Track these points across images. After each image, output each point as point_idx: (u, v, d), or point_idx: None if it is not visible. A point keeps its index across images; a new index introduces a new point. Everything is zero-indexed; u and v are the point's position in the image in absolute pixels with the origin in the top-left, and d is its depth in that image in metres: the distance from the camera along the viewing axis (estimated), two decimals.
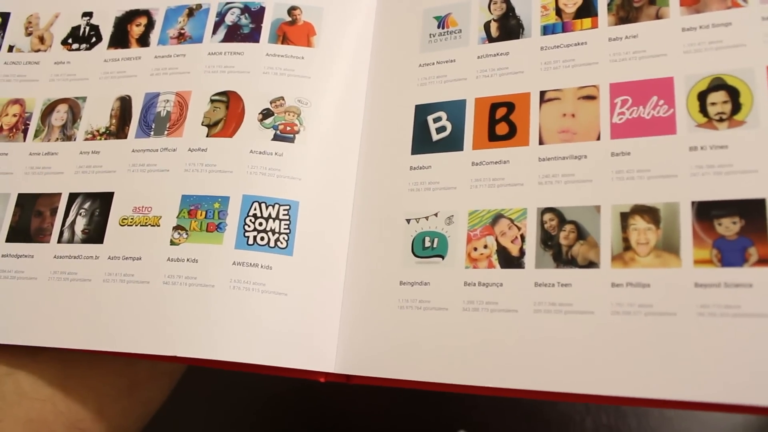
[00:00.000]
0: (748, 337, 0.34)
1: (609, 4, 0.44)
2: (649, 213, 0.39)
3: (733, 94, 0.39)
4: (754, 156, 0.38)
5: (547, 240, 0.41)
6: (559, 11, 0.45)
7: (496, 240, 0.42)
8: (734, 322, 0.35)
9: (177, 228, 0.44)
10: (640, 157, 0.40)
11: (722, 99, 0.39)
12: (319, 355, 0.42)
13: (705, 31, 0.41)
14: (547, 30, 0.45)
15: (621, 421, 0.60)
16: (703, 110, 0.40)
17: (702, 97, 0.40)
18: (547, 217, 0.41)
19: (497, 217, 0.42)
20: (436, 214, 0.43)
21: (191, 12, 0.50)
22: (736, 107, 0.39)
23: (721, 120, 0.39)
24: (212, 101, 0.47)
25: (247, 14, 0.49)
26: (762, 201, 0.37)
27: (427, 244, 0.43)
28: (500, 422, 0.61)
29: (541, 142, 0.43)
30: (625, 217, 0.39)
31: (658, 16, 0.43)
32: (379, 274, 0.43)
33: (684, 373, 0.35)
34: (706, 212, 0.37)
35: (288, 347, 0.42)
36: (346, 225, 0.45)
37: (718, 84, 0.40)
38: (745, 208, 0.37)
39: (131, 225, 0.45)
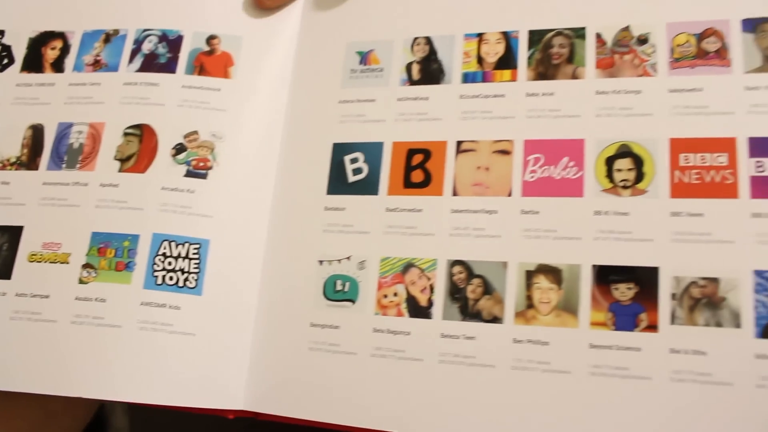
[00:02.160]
0: (634, 397, 0.37)
1: (529, 58, 0.44)
2: (553, 273, 0.40)
3: (638, 162, 0.40)
4: (651, 225, 0.39)
5: (455, 292, 0.41)
6: (480, 59, 0.45)
7: (406, 289, 0.42)
8: (621, 384, 0.37)
9: (86, 266, 0.43)
10: (548, 216, 0.41)
11: (628, 166, 0.40)
12: (228, 393, 0.43)
13: (617, 96, 0.42)
14: (467, 78, 0.45)
15: None
16: (610, 175, 0.41)
17: (609, 162, 0.41)
18: (456, 269, 0.42)
19: (408, 266, 0.43)
20: (348, 258, 0.44)
21: (108, 38, 0.48)
22: (640, 176, 0.40)
23: (625, 187, 0.40)
24: (126, 134, 0.46)
25: (164, 42, 0.48)
26: (655, 269, 0.38)
27: (339, 287, 0.43)
28: None
29: (454, 193, 0.43)
30: (530, 276, 0.40)
31: (574, 76, 0.43)
32: (290, 315, 0.44)
33: (576, 430, 0.37)
34: (605, 276, 0.39)
35: (195, 387, 0.42)
36: (258, 264, 0.45)
37: (625, 151, 0.41)
38: (640, 275, 0.39)
39: (40, 261, 0.44)
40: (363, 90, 0.47)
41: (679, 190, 0.39)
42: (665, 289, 0.38)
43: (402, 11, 0.48)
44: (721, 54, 0.41)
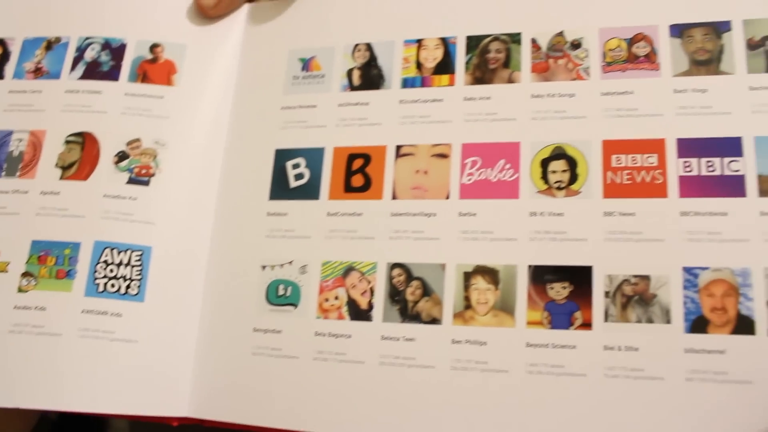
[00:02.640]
0: (569, 394, 0.38)
1: (467, 63, 0.45)
2: (490, 274, 0.40)
3: (572, 163, 0.41)
4: (585, 225, 0.40)
5: (395, 295, 0.42)
6: (419, 65, 0.46)
7: (347, 292, 0.43)
8: (557, 381, 0.38)
9: (25, 274, 0.43)
10: (484, 218, 0.42)
11: (562, 168, 0.41)
12: (172, 400, 0.43)
13: (552, 99, 0.43)
14: (407, 83, 0.46)
15: None
16: (545, 177, 0.41)
17: (544, 164, 0.41)
18: (395, 272, 0.42)
19: (349, 270, 0.43)
20: (290, 262, 0.44)
21: (50, 45, 0.48)
22: (574, 177, 0.41)
23: (559, 188, 0.41)
24: (67, 142, 0.46)
25: (107, 50, 0.48)
26: (589, 269, 0.39)
27: (281, 292, 0.44)
28: None
29: (394, 197, 0.43)
30: (467, 277, 0.41)
31: (510, 80, 0.44)
32: (233, 320, 0.44)
33: (514, 428, 0.38)
34: (540, 276, 0.40)
35: (138, 394, 0.42)
36: (201, 270, 0.45)
37: (559, 153, 0.41)
38: (575, 275, 0.39)
39: None
40: (305, 96, 0.47)
41: (612, 191, 0.40)
42: (599, 287, 0.39)
43: (343, 18, 0.49)
44: (651, 58, 0.42)
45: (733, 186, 0.39)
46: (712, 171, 0.39)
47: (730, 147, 0.39)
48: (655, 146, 0.40)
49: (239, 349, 0.43)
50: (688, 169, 0.39)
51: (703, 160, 0.39)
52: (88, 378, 0.41)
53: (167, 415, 0.43)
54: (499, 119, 0.43)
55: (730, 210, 0.38)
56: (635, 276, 0.38)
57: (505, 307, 0.40)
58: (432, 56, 0.46)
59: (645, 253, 0.39)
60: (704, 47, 0.41)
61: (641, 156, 0.40)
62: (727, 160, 0.39)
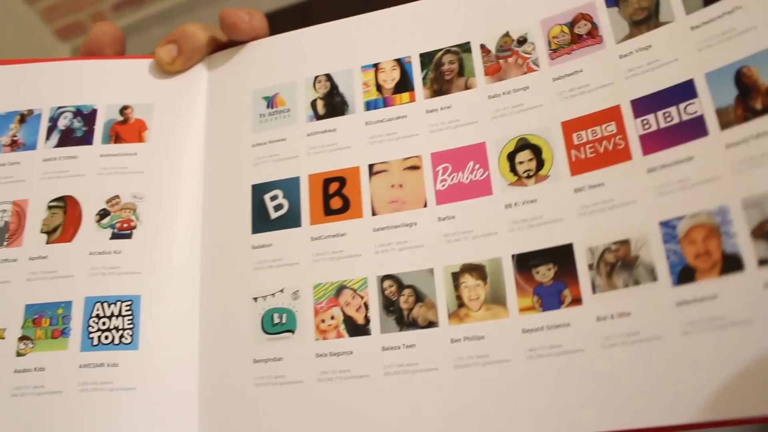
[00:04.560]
0: (571, 371, 0.38)
1: (423, 79, 0.47)
2: (477, 270, 0.41)
3: (537, 151, 0.42)
4: (559, 205, 0.41)
5: (389, 305, 0.42)
6: (379, 87, 0.48)
7: (342, 310, 0.43)
8: (557, 361, 0.38)
9: (22, 338, 0.43)
10: (463, 219, 0.43)
11: (528, 157, 0.43)
12: None
13: (508, 96, 0.44)
14: (370, 105, 0.47)
15: None
16: (513, 169, 0.43)
17: (511, 157, 0.43)
18: (386, 284, 0.43)
19: (340, 288, 0.44)
20: (282, 290, 0.45)
21: (23, 118, 0.50)
22: (540, 164, 0.42)
23: (528, 177, 0.42)
24: (50, 207, 0.47)
25: (79, 117, 0.49)
26: (570, 246, 0.40)
27: (276, 320, 0.44)
28: None
29: (374, 213, 0.45)
30: (456, 277, 0.42)
31: (467, 86, 0.46)
32: (232, 355, 0.44)
33: (522, 414, 0.38)
34: (525, 263, 0.41)
35: None
36: (193, 311, 0.46)
37: (523, 144, 0.43)
38: (557, 255, 0.40)
39: None
40: (273, 131, 0.49)
41: (578, 167, 0.41)
42: (582, 262, 0.39)
43: (299, 54, 0.51)
44: (592, 33, 0.44)
45: (694, 128, 0.39)
46: (671, 121, 0.40)
47: (684, 91, 0.40)
48: (611, 114, 0.41)
49: (242, 383, 0.43)
50: (647, 126, 0.40)
51: (660, 113, 0.40)
52: (93, 430, 0.41)
53: None
54: (462, 124, 0.45)
55: (696, 153, 0.38)
56: (615, 243, 0.39)
57: (496, 300, 0.40)
58: (390, 77, 0.48)
59: (620, 219, 0.39)
60: (640, 6, 0.43)
61: (600, 127, 0.41)
62: (683, 105, 0.40)
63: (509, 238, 0.41)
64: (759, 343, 0.34)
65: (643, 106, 0.41)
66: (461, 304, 0.41)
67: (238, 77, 0.51)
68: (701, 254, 0.37)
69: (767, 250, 0.35)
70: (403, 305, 0.42)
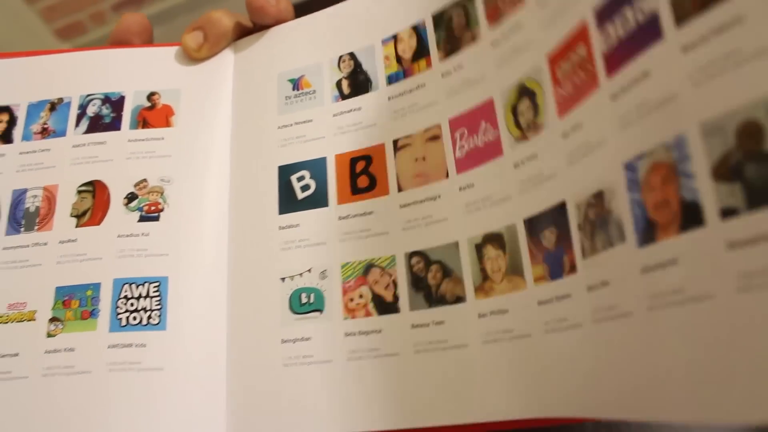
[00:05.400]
0: (566, 346, 0.35)
1: (438, 42, 0.46)
2: (497, 240, 0.40)
3: (533, 99, 0.39)
4: (552, 158, 0.37)
5: (417, 282, 0.42)
6: (399, 59, 0.47)
7: (371, 288, 0.43)
8: (567, 336, 0.35)
9: (53, 320, 0.44)
10: (481, 186, 0.41)
11: (526, 105, 0.39)
12: (208, 423, 0.42)
13: (507, 41, 0.41)
14: (391, 79, 0.47)
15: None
16: (517, 123, 0.40)
17: (514, 110, 0.40)
18: (414, 260, 0.42)
19: (369, 267, 0.43)
20: (309, 270, 0.44)
21: (53, 106, 0.51)
22: (536, 110, 0.38)
23: (529, 128, 0.39)
24: (79, 192, 0.48)
25: (108, 104, 0.50)
26: (563, 204, 0.35)
27: (304, 300, 0.44)
28: None
29: (399, 189, 0.44)
30: (479, 249, 0.40)
31: (473, 39, 0.44)
32: (260, 335, 0.44)
33: (547, 389, 0.35)
34: (534, 228, 0.37)
35: (173, 420, 0.42)
36: (220, 292, 0.46)
37: (521, 91, 0.40)
38: (556, 216, 0.36)
39: (6, 322, 0.45)
40: (300, 113, 0.49)
41: (563, 107, 0.36)
42: (573, 222, 0.35)
43: (322, 35, 0.51)
44: None
45: (649, 30, 0.30)
46: (628, 26, 0.31)
47: None
48: (582, 34, 0.35)
49: (270, 363, 0.43)
50: (609, 39, 0.33)
51: (617, 20, 0.32)
52: (121, 411, 0.41)
53: None
54: (473, 83, 0.43)
55: (651, 65, 0.30)
56: (592, 196, 0.33)
57: (515, 270, 0.38)
58: (408, 46, 0.47)
59: (594, 164, 0.33)
60: None
61: (575, 53, 0.35)
62: (638, 5, 0.31)
63: (520, 202, 0.39)
64: (721, 321, 0.26)
65: (605, 15, 0.33)
66: (485, 277, 0.40)
67: (264, 61, 0.51)
68: (660, 204, 0.29)
69: (730, 196, 0.26)
70: (431, 281, 0.41)
